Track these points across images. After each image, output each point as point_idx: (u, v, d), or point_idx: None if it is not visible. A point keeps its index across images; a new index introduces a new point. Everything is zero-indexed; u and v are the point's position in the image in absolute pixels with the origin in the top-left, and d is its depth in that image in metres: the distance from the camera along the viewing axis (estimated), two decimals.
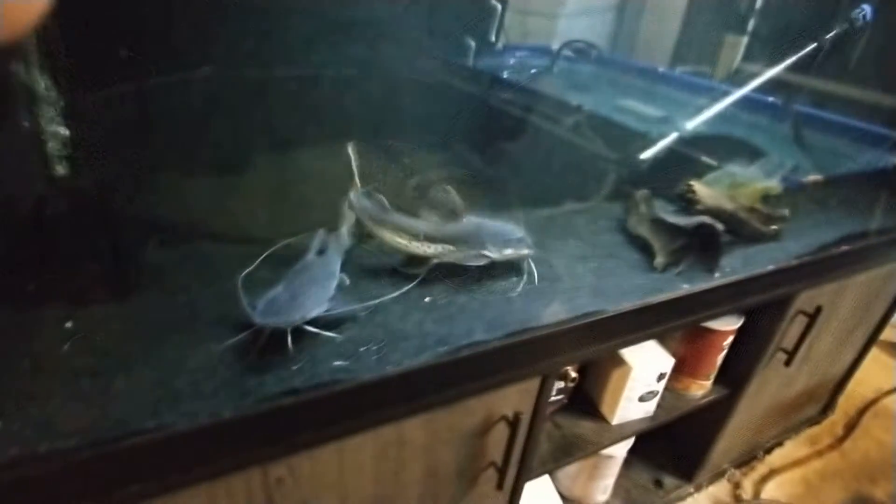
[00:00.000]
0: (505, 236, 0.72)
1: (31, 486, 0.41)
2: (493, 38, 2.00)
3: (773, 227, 0.88)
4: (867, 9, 1.35)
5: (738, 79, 1.69)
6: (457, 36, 1.81)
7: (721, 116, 1.45)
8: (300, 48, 1.17)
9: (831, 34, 1.36)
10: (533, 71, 2.01)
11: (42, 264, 0.62)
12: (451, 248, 0.70)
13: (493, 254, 0.69)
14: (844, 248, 0.97)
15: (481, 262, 0.69)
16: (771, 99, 1.63)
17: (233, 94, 1.15)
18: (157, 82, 0.99)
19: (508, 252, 0.71)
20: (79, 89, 0.66)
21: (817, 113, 1.56)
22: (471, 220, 0.72)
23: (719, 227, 0.79)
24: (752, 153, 1.30)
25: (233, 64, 1.12)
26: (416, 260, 0.70)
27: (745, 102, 1.56)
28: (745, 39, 2.14)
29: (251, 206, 0.96)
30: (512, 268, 0.74)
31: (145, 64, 0.94)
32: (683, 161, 1.20)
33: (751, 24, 2.12)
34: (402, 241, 0.70)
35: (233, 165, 1.10)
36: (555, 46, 2.14)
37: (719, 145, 1.34)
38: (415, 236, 0.70)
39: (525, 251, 0.73)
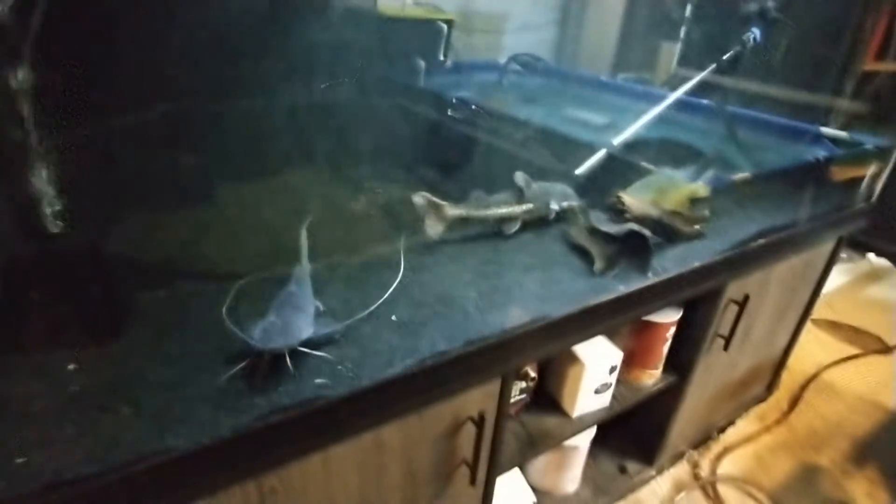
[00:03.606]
0: (563, 193, 1.02)
1: None
2: (441, 58, 2.09)
3: (696, 227, 1.00)
4: (756, 31, 1.51)
5: (675, 83, 1.81)
6: (407, 58, 1.90)
7: (665, 120, 1.56)
8: (251, 81, 1.22)
9: (728, 55, 1.51)
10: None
11: (36, 314, 0.67)
12: (531, 205, 0.98)
13: (556, 206, 0.99)
14: (762, 241, 1.09)
15: (552, 214, 0.99)
16: (706, 101, 1.77)
17: (190, 129, 1.20)
18: (114, 123, 1.04)
19: (565, 204, 1.00)
20: (53, 137, 0.72)
21: (751, 113, 1.69)
22: (539, 185, 1.00)
23: (647, 233, 0.90)
24: (690, 154, 1.42)
25: (187, 99, 1.17)
26: (506, 221, 0.96)
27: (686, 106, 1.68)
28: (678, 46, 2.30)
29: (221, 243, 1.02)
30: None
31: (105, 104, 0.99)
32: (624, 167, 1.30)
33: (682, 31, 2.27)
34: (502, 210, 0.95)
35: (198, 201, 1.15)
36: (502, 61, 2.24)
37: (660, 149, 1.45)
38: (508, 204, 0.96)
39: (575, 203, 1.00)
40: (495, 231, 0.97)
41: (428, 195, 0.89)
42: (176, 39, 1.07)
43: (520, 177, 0.98)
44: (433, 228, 0.90)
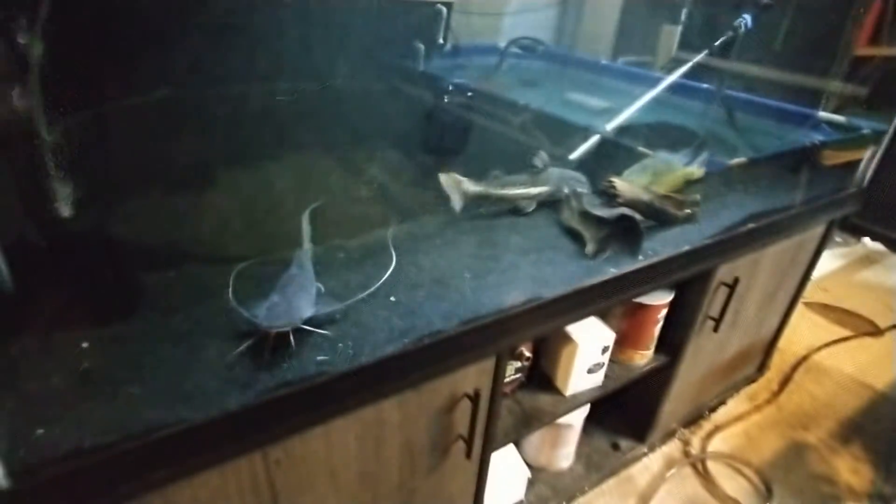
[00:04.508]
0: (575, 179, 1.07)
1: (79, 476, 0.51)
2: (441, 41, 2.09)
3: (687, 211, 1.02)
4: (747, 17, 1.52)
5: (675, 67, 1.80)
6: (406, 42, 1.90)
7: (665, 104, 1.58)
8: (254, 65, 1.24)
9: (720, 40, 1.52)
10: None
11: (50, 294, 0.70)
12: (548, 188, 1.03)
13: (567, 190, 1.03)
14: (752, 225, 1.12)
15: (562, 196, 1.03)
16: (706, 85, 1.78)
17: (194, 114, 1.22)
18: (119, 106, 1.06)
19: (578, 190, 1.03)
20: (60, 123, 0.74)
21: (749, 97, 1.70)
22: (553, 170, 1.06)
23: (638, 216, 0.92)
24: (687, 138, 1.43)
25: (189, 83, 1.19)
26: (524, 200, 1.02)
27: (686, 90, 1.69)
28: (679, 29, 2.29)
29: (225, 227, 1.05)
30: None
31: (110, 91, 1.01)
32: (621, 151, 1.32)
33: (683, 14, 2.27)
34: (521, 191, 1.01)
35: (203, 185, 1.17)
36: (502, 44, 2.24)
37: (658, 132, 1.47)
38: (526, 184, 1.03)
39: (584, 190, 1.03)
40: (510, 210, 1.03)
41: (453, 173, 0.97)
42: (170, 25, 1.09)
43: (539, 158, 1.04)
44: (456, 202, 0.97)
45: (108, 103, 1.04)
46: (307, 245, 0.84)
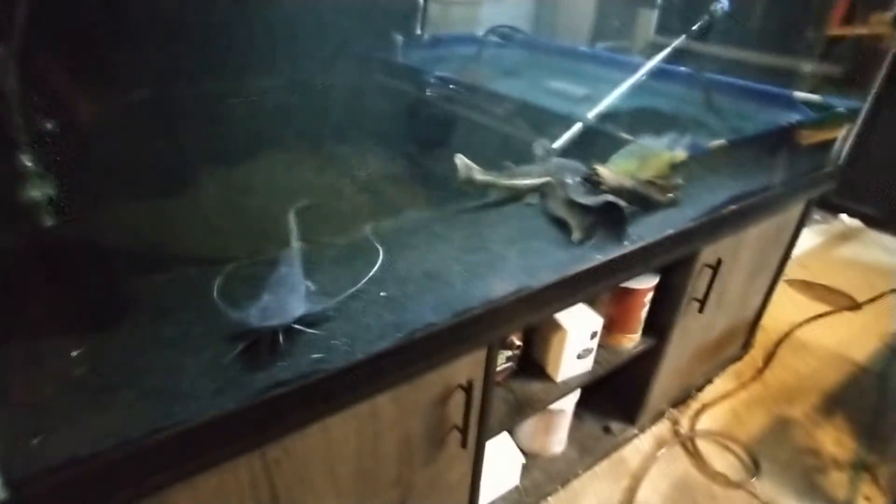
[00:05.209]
0: (574, 168, 1.07)
1: (78, 484, 0.51)
2: (418, 32, 2.08)
3: (670, 195, 1.04)
4: (724, 1, 1.54)
5: (653, 52, 1.82)
6: (384, 34, 1.89)
7: (645, 90, 1.58)
8: (230, 63, 1.22)
9: (697, 24, 1.54)
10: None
11: (37, 303, 0.70)
12: (551, 179, 1.04)
13: (570, 181, 1.02)
14: (733, 207, 1.14)
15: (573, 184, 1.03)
16: (685, 69, 1.79)
17: (172, 114, 1.20)
18: (95, 108, 1.04)
19: (576, 177, 1.04)
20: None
21: (728, 79, 1.70)
22: (554, 161, 1.10)
23: (622, 203, 0.93)
24: (669, 123, 1.44)
25: (154, 83, 1.17)
26: (531, 191, 1.04)
27: (666, 75, 1.69)
28: (656, 13, 2.30)
29: (213, 228, 1.04)
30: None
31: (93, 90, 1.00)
32: (604, 139, 1.33)
33: None
34: (528, 182, 1.03)
35: (186, 188, 1.16)
36: (480, 34, 2.23)
37: (640, 118, 1.48)
38: (531, 175, 1.05)
39: (578, 179, 1.03)
40: (515, 199, 1.05)
41: (466, 160, 1.00)
42: (137, 25, 1.07)
43: (539, 147, 1.08)
44: (466, 188, 1.00)
45: (84, 105, 1.03)
46: (295, 243, 0.84)
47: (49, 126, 0.72)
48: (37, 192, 0.71)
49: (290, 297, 0.67)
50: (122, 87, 1.10)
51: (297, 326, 0.66)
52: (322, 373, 0.64)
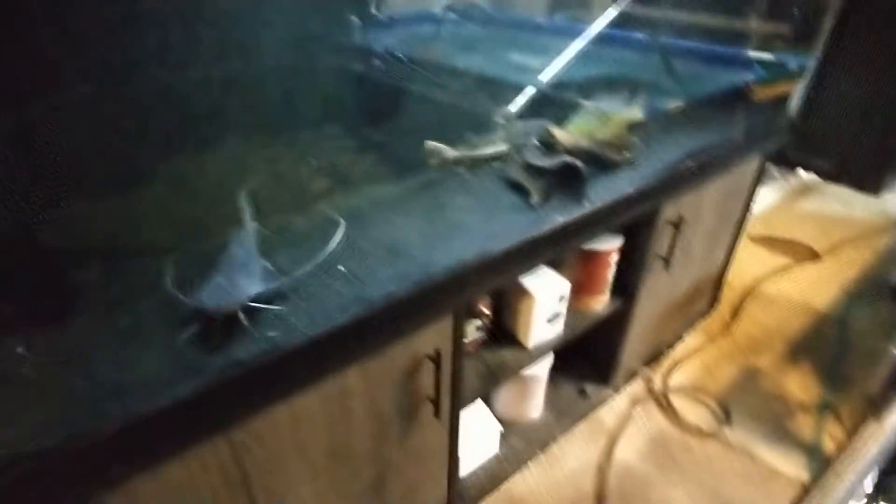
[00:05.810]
0: (538, 127, 1.07)
1: (28, 482, 0.49)
2: (374, 11, 2.04)
3: (626, 154, 1.04)
4: None
5: (613, 21, 1.81)
6: (337, 14, 1.85)
7: (604, 59, 1.61)
8: (178, 52, 1.19)
9: None
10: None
11: None
12: (515, 143, 1.04)
13: (536, 141, 1.04)
14: (689, 164, 1.15)
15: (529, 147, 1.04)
16: (641, 35, 1.80)
17: (117, 107, 1.16)
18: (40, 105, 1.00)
19: (536, 140, 1.06)
20: None
21: (684, 43, 1.74)
22: (517, 123, 1.11)
23: (579, 163, 0.93)
24: (626, 87, 1.45)
25: (110, 77, 1.13)
26: (496, 159, 1.03)
27: (624, 42, 1.73)
28: None
29: (162, 216, 1.01)
30: None
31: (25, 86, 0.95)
32: (562, 104, 1.33)
33: None
34: (493, 150, 1.03)
35: (135, 177, 1.13)
36: (438, 11, 2.20)
37: (599, 84, 1.48)
38: (495, 142, 1.05)
39: (535, 142, 1.04)
40: (486, 168, 1.05)
41: (435, 143, 1.02)
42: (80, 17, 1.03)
43: (499, 116, 1.07)
44: (438, 168, 1.01)
45: (24, 101, 0.98)
46: (249, 225, 0.82)
47: None
48: None
49: (243, 277, 0.65)
50: (61, 77, 1.06)
51: (252, 305, 0.64)
52: (280, 350, 0.62)
